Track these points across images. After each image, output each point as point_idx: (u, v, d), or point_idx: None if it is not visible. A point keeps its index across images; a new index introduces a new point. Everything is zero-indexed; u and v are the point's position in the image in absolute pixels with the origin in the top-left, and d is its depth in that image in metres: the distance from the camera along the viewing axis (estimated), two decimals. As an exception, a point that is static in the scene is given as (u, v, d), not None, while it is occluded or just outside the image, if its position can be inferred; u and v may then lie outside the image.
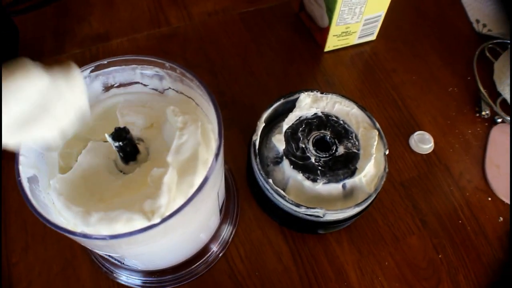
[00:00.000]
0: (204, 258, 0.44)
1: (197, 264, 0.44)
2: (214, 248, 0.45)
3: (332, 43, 0.59)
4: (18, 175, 0.31)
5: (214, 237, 0.45)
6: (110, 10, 0.63)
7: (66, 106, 0.29)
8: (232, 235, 0.45)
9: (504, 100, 0.57)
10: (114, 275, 0.43)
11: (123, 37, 0.60)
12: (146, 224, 0.29)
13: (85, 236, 0.29)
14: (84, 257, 0.44)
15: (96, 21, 0.62)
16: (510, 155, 0.53)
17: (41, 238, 0.45)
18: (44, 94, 0.27)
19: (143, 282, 0.43)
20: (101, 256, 0.44)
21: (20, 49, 0.55)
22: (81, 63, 0.35)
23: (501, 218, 0.49)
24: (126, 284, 0.43)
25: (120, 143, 0.33)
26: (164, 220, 0.29)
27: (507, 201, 0.50)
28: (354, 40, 0.60)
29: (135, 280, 0.43)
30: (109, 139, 0.33)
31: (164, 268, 0.43)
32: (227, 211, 0.46)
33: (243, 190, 0.49)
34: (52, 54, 0.58)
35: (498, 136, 0.55)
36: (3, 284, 0.43)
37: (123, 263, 0.41)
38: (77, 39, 0.60)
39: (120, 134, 0.33)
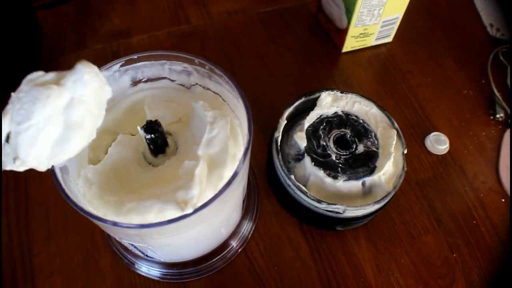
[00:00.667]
0: (223, 253, 0.45)
1: (216, 258, 0.44)
2: (234, 243, 0.45)
3: (350, 44, 0.59)
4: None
5: (234, 233, 0.45)
6: (131, 7, 0.64)
7: (86, 109, 0.28)
8: (251, 231, 0.46)
9: (518, 103, 0.58)
10: (135, 266, 0.44)
11: (144, 34, 0.61)
12: (179, 214, 0.30)
13: (116, 224, 0.30)
14: (105, 248, 0.45)
15: (117, 18, 0.63)
16: (510, 154, 0.53)
17: (62, 229, 0.46)
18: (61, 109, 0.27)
19: (164, 274, 0.44)
20: (122, 247, 0.45)
21: (42, 44, 0.56)
22: (102, 59, 0.36)
23: (515, 220, 0.50)
24: (147, 275, 0.44)
25: (152, 135, 0.34)
26: (196, 210, 0.30)
27: (521, 203, 0.51)
28: (371, 41, 0.61)
29: (156, 271, 0.44)
30: (141, 132, 0.34)
31: (185, 261, 0.44)
32: (247, 207, 0.47)
33: (263, 187, 0.49)
34: (74, 50, 0.59)
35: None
36: (26, 275, 0.44)
37: (146, 255, 0.41)
38: (98, 35, 0.61)
39: (152, 126, 0.34)
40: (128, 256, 0.44)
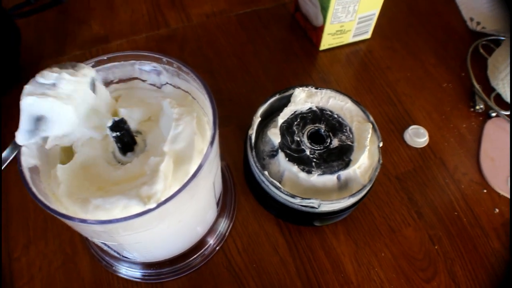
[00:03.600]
0: (201, 251, 0.45)
1: (194, 257, 0.44)
2: (211, 241, 0.45)
3: (327, 41, 0.60)
4: (20, 165, 0.32)
5: (211, 231, 0.45)
6: (110, 13, 0.65)
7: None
8: (229, 229, 0.46)
9: (498, 94, 0.58)
10: (114, 268, 0.44)
11: (123, 39, 0.61)
12: (142, 209, 0.30)
13: (82, 221, 0.30)
14: (84, 252, 0.45)
15: (96, 24, 0.63)
16: (510, 151, 0.53)
17: (42, 233, 0.46)
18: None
19: (142, 275, 0.44)
20: (100, 250, 0.45)
21: (21, 51, 0.56)
22: None
23: (497, 210, 0.49)
24: (126, 277, 0.44)
25: (118, 133, 0.34)
26: (159, 205, 0.30)
27: (503, 193, 0.51)
28: (349, 38, 0.61)
29: (135, 272, 0.44)
30: (107, 130, 0.34)
31: (162, 260, 0.43)
32: (224, 205, 0.47)
33: (240, 185, 0.49)
34: (53, 56, 0.60)
35: (492, 129, 0.55)
36: (5, 280, 0.44)
37: (122, 255, 0.41)
38: (77, 41, 0.61)
39: (118, 124, 0.34)
40: (106, 258, 0.44)
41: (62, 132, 0.33)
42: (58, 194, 0.33)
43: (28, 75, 0.33)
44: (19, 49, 0.56)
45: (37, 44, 0.61)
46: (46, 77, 0.32)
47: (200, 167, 0.31)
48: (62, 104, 0.32)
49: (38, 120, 0.31)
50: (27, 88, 0.32)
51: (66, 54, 0.60)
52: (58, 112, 0.32)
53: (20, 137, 0.31)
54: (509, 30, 0.63)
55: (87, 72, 0.34)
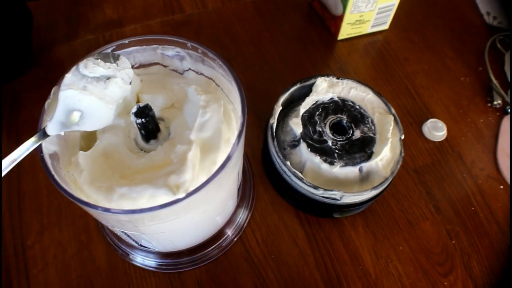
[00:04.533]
0: (219, 242, 0.44)
1: (211, 247, 0.44)
2: (229, 232, 0.45)
3: (345, 31, 0.59)
4: (41, 151, 0.31)
5: (229, 222, 0.45)
6: (123, -2, 0.63)
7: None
8: (247, 220, 0.46)
9: (515, 90, 0.57)
10: (130, 256, 0.43)
11: (137, 23, 0.60)
12: (171, 198, 0.29)
13: (107, 210, 0.29)
14: (99, 239, 0.45)
15: (109, 8, 0.62)
16: (510, 142, 0.53)
17: (56, 220, 0.45)
18: None
19: (159, 264, 0.43)
20: (117, 238, 0.44)
21: (33, 35, 0.55)
22: (95, 49, 0.35)
23: (513, 206, 0.49)
24: (142, 266, 0.43)
25: (143, 119, 0.33)
26: (189, 195, 0.29)
27: (520, 189, 0.50)
28: (367, 29, 0.60)
29: (151, 261, 0.43)
30: (132, 116, 0.33)
31: (180, 250, 0.43)
32: (243, 196, 0.46)
33: (259, 175, 0.49)
34: (66, 40, 0.58)
35: (509, 125, 0.55)
36: (19, 267, 0.43)
37: (140, 244, 0.41)
38: (90, 25, 0.60)
39: (143, 111, 0.33)
40: (123, 246, 0.44)
41: (96, 128, 0.33)
42: (80, 182, 0.32)
43: (39, 60, 0.32)
44: (30, 33, 0.54)
45: (49, 28, 0.59)
46: (90, 69, 0.31)
47: (229, 158, 0.30)
48: (104, 105, 0.31)
49: (72, 113, 0.31)
50: (67, 78, 0.31)
51: (79, 38, 0.59)
52: (99, 110, 0.31)
53: (52, 127, 0.31)
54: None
55: (127, 65, 0.33)
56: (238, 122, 0.33)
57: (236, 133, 0.33)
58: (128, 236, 0.38)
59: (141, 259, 0.43)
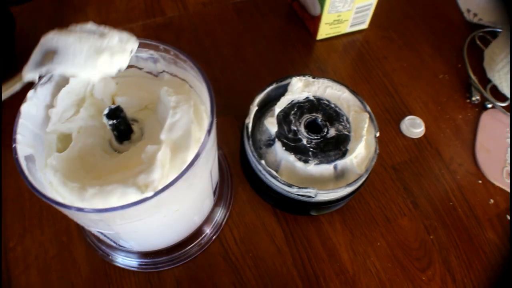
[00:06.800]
0: (198, 240, 0.45)
1: (190, 246, 0.44)
2: (208, 230, 0.45)
3: (324, 31, 0.59)
4: (15, 153, 0.32)
5: (207, 220, 0.45)
6: (106, 1, 0.64)
7: None
8: (226, 218, 0.46)
9: (494, 86, 0.58)
10: (110, 257, 0.44)
11: (119, 27, 0.60)
12: (140, 197, 0.30)
13: (79, 209, 0.30)
14: (80, 240, 0.45)
15: (92, 12, 0.63)
16: (510, 146, 0.53)
17: (37, 222, 0.46)
18: None
19: (139, 264, 0.44)
20: (96, 238, 0.44)
21: (16, 40, 0.55)
22: None
23: (492, 200, 0.50)
24: (122, 265, 0.44)
25: (114, 121, 0.34)
26: (157, 193, 0.29)
27: (498, 184, 0.51)
28: (346, 28, 0.61)
29: (130, 261, 0.44)
30: (104, 118, 0.34)
31: (158, 249, 0.43)
32: (220, 195, 0.47)
33: (237, 174, 0.49)
34: (48, 45, 0.59)
35: (488, 121, 0.56)
36: (1, 269, 0.44)
37: (119, 244, 0.41)
38: (73, 29, 0.61)
39: (114, 112, 0.34)
40: (102, 247, 0.44)
41: (72, 71, 0.32)
42: (54, 183, 0.33)
43: (22, 64, 0.32)
44: (13, 37, 0.55)
45: (32, 33, 0.60)
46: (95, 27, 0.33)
47: (197, 156, 0.31)
48: (79, 44, 0.31)
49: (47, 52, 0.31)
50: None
51: (61, 43, 0.59)
52: (74, 50, 0.31)
53: (27, 69, 0.31)
54: (505, 22, 0.63)
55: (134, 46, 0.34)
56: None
57: (206, 132, 0.33)
58: (106, 236, 0.39)
59: (121, 259, 0.44)
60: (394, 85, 0.58)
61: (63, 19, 0.62)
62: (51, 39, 0.31)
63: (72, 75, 0.33)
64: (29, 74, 0.31)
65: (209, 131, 0.32)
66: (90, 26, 0.33)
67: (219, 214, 0.46)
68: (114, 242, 0.41)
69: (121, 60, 0.33)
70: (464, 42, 0.62)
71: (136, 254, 0.44)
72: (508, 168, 0.52)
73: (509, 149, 0.53)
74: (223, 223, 0.46)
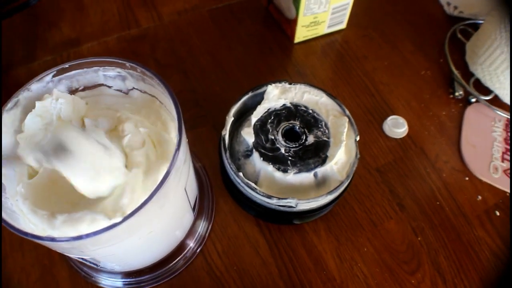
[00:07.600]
0: (182, 254, 0.44)
1: (175, 261, 0.44)
2: (191, 244, 0.45)
3: (301, 34, 0.59)
4: (-16, 182, 0.31)
5: (190, 233, 0.44)
6: (81, 15, 0.63)
7: None
8: (208, 231, 0.45)
9: (477, 80, 0.57)
10: (93, 279, 0.43)
11: (94, 41, 0.60)
12: (108, 223, 0.29)
13: (51, 239, 0.29)
14: (62, 263, 0.44)
15: (66, 27, 0.62)
16: (510, 147, 0.53)
17: (18, 246, 0.45)
18: None
19: (123, 284, 0.43)
20: (78, 261, 0.44)
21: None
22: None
23: (480, 197, 0.49)
24: (105, 287, 0.43)
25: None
26: (126, 218, 0.29)
27: (485, 179, 0.50)
28: (324, 29, 0.60)
29: (115, 282, 0.43)
30: None
31: (141, 268, 0.43)
32: (201, 208, 0.46)
33: (218, 186, 0.49)
34: (23, 62, 0.58)
35: (472, 115, 0.55)
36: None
37: (99, 266, 0.41)
38: (48, 46, 0.60)
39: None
40: (85, 268, 0.44)
41: (70, 177, 0.31)
42: (25, 211, 0.32)
43: None
44: (-14, 57, 0.54)
45: (6, 51, 0.59)
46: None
47: (166, 175, 0.30)
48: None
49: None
50: None
51: (37, 60, 0.58)
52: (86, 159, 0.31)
53: (29, 152, 0.32)
54: (486, 14, 0.63)
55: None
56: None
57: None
58: (85, 260, 0.38)
59: (103, 280, 0.43)
60: (375, 84, 0.57)
61: (37, 36, 0.61)
62: (67, 136, 0.31)
63: (71, 181, 0.32)
64: (29, 157, 0.31)
65: (177, 149, 0.31)
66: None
67: (201, 228, 0.45)
68: (95, 264, 0.40)
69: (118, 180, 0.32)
70: (445, 36, 0.61)
71: (120, 274, 0.43)
72: (495, 162, 0.51)
73: (496, 144, 0.53)
74: (206, 235, 0.45)
